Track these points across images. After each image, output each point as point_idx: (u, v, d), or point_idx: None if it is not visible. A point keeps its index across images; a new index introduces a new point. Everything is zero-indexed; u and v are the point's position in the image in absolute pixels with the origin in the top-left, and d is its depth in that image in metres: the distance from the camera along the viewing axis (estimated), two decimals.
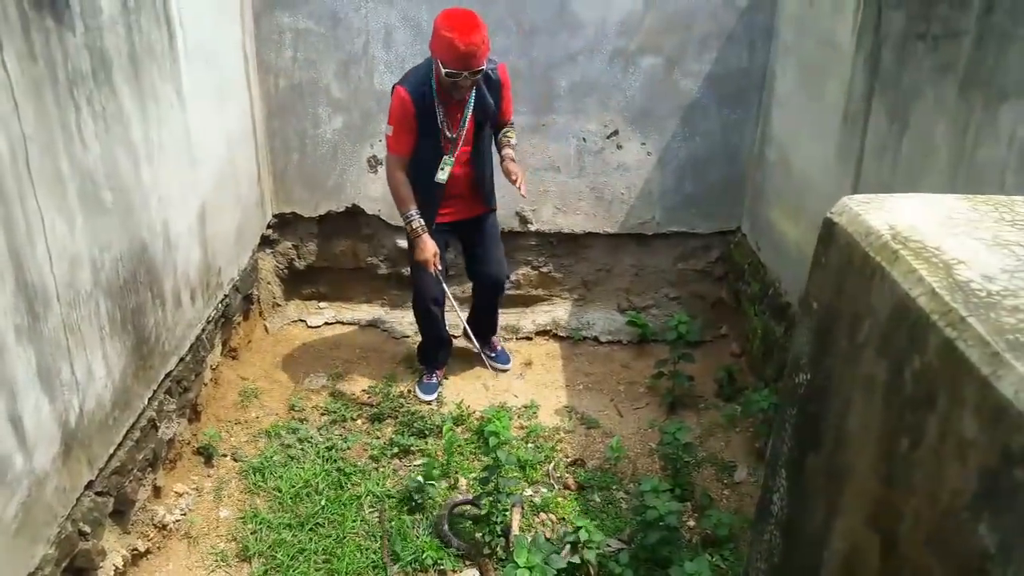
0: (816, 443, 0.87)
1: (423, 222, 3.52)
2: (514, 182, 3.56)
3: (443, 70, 3.24)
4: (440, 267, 3.60)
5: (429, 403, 3.93)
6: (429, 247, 3.52)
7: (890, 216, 0.82)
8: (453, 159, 3.53)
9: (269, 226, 4.42)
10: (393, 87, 3.45)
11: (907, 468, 0.70)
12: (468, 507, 3.24)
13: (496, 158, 3.71)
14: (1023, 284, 0.69)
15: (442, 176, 3.54)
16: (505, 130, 3.69)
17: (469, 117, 3.48)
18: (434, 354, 4.04)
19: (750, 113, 4.18)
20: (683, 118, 4.20)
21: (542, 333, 4.61)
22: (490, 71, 3.45)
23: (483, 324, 4.17)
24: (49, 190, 2.33)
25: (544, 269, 4.61)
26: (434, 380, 4.03)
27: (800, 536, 0.91)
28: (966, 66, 2.49)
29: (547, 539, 3.07)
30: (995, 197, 0.89)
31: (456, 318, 4.01)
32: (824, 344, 0.87)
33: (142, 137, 2.91)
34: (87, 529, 2.52)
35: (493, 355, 4.24)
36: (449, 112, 3.46)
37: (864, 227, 0.81)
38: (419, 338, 4.08)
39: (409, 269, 3.89)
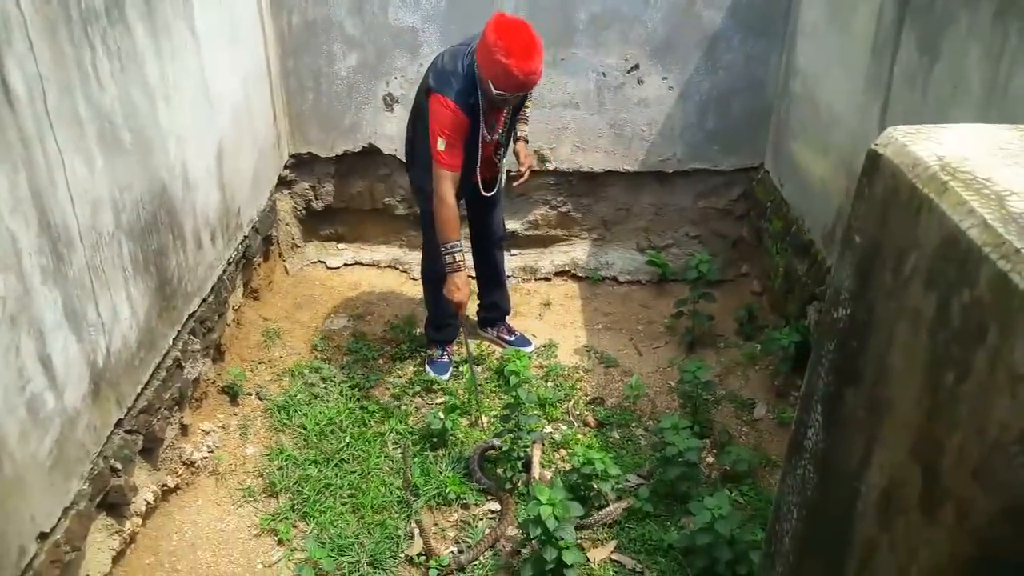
0: (856, 378, 0.87)
1: (464, 259, 3.29)
2: (516, 176, 3.52)
3: (494, 91, 3.01)
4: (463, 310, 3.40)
5: (444, 382, 3.71)
6: (465, 289, 3.28)
7: (938, 147, 0.79)
8: (498, 158, 3.47)
9: (286, 167, 4.40)
10: (429, 92, 3.14)
11: (952, 402, 0.69)
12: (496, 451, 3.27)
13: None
14: None
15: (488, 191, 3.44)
16: (522, 123, 3.57)
17: (508, 120, 3.38)
18: (445, 328, 3.78)
19: (775, 44, 4.07)
20: (706, 50, 4.09)
21: (561, 273, 4.60)
22: None
23: (493, 293, 3.95)
24: (68, 131, 2.32)
25: (563, 209, 4.57)
26: (446, 358, 3.79)
27: (836, 470, 0.91)
28: None
29: (566, 472, 3.13)
30: None
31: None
32: (867, 278, 0.85)
33: (158, 76, 2.88)
34: (118, 466, 2.58)
35: (512, 339, 3.99)
36: (493, 117, 3.29)
37: (911, 158, 0.78)
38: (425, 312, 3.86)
39: (423, 229, 3.62)
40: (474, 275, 3.91)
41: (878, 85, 3.13)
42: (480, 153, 3.28)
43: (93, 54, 2.47)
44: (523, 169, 3.54)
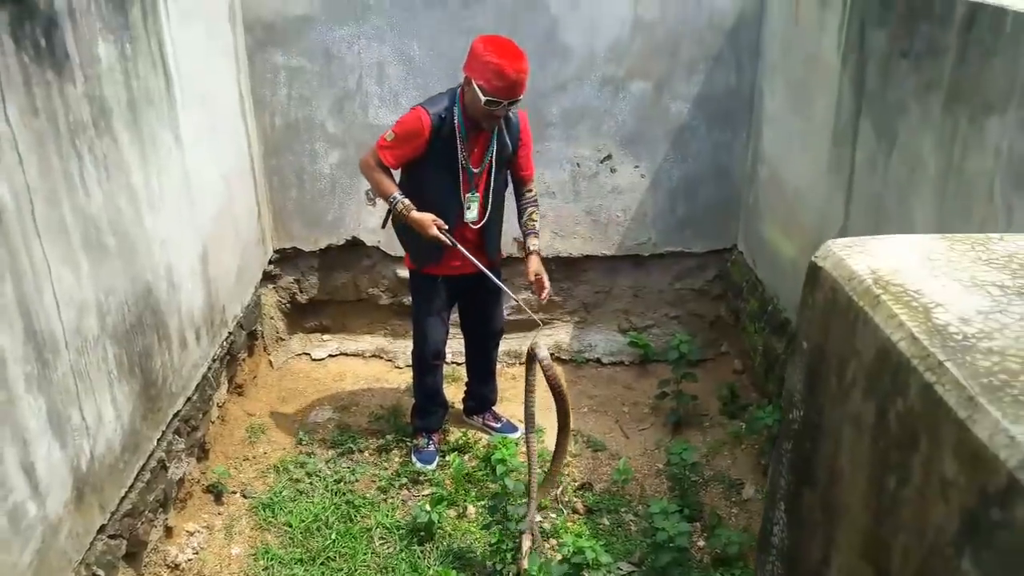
0: (811, 478, 0.91)
1: (408, 201, 3.29)
2: (537, 292, 3.45)
3: (483, 98, 3.06)
4: (446, 227, 3.33)
5: (430, 473, 3.68)
6: (426, 217, 3.28)
7: (872, 259, 0.85)
8: (478, 195, 3.37)
9: (270, 262, 4.47)
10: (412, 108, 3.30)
11: (895, 506, 0.73)
12: None
13: (512, 219, 3.59)
14: (997, 326, 0.73)
15: (470, 215, 3.38)
16: (530, 209, 3.51)
17: (491, 153, 3.34)
18: (432, 415, 3.78)
19: (740, 133, 4.24)
20: (674, 140, 4.25)
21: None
22: (511, 112, 3.32)
23: (481, 385, 3.95)
24: (54, 239, 2.37)
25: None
26: (431, 448, 3.77)
27: (800, 567, 0.94)
28: (949, 81, 2.55)
29: (558, 562, 3.09)
30: (972, 236, 0.92)
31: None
32: (815, 383, 0.90)
33: (143, 183, 2.96)
34: (101, 573, 2.54)
35: (498, 425, 3.98)
36: (471, 144, 3.30)
37: (847, 271, 0.84)
38: (413, 400, 3.85)
39: (412, 313, 3.67)
40: (462, 363, 3.94)
41: (841, 169, 3.27)
42: (462, 184, 3.32)
43: (80, 164, 2.54)
44: (540, 288, 3.45)
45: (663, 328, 4.68)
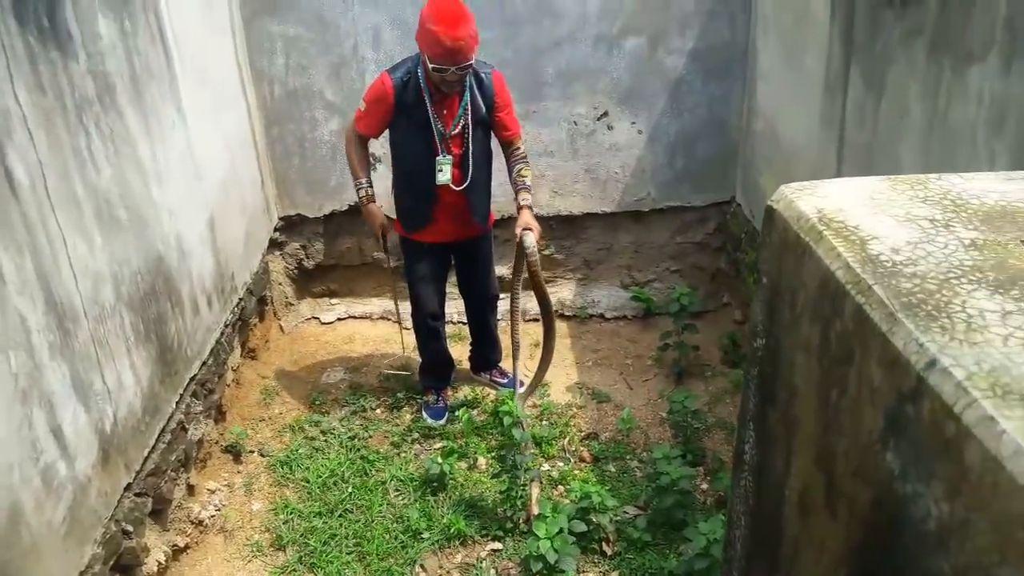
0: (773, 398, 1.00)
1: (371, 192, 3.47)
2: (525, 249, 3.33)
3: (430, 65, 3.13)
4: (387, 236, 3.56)
5: (440, 427, 3.80)
6: (376, 217, 3.48)
7: (819, 200, 0.94)
8: (450, 157, 3.38)
9: (276, 229, 4.56)
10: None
11: (838, 415, 0.82)
12: None
13: (496, 180, 3.62)
14: (923, 254, 0.81)
15: (443, 177, 3.38)
16: (519, 167, 3.49)
17: (463, 115, 3.35)
18: (438, 373, 3.90)
19: (736, 86, 4.28)
20: (670, 95, 4.30)
21: None
22: (482, 73, 3.35)
23: (483, 346, 4.05)
24: (67, 213, 2.47)
25: (546, 252, 4.73)
26: (441, 404, 3.89)
27: (767, 479, 1.03)
28: (933, 30, 2.59)
29: (565, 506, 3.23)
30: (914, 176, 1.00)
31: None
32: (772, 313, 0.99)
33: (149, 155, 3.05)
34: (129, 528, 2.68)
35: (504, 381, 4.08)
36: (441, 107, 3.33)
37: (796, 211, 0.93)
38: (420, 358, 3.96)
39: (406, 277, 3.75)
40: (466, 322, 4.05)
41: (832, 120, 3.32)
42: (436, 145, 3.36)
43: (88, 139, 2.63)
44: (528, 241, 3.33)
45: (665, 282, 4.77)
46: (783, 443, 0.95)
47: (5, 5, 2.22)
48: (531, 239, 3.31)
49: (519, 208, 3.47)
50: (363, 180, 3.47)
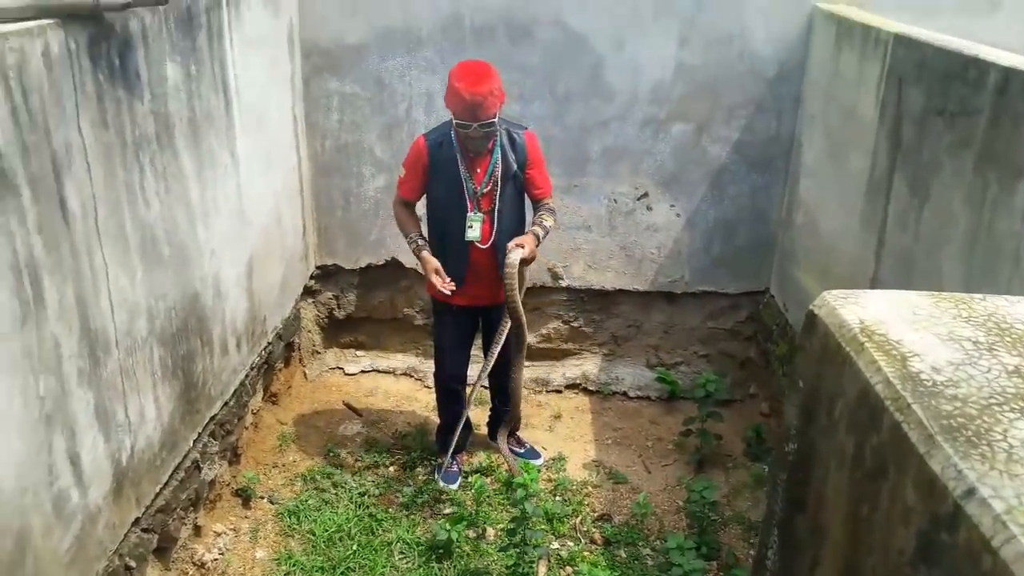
0: (802, 505, 0.98)
1: (423, 242, 3.47)
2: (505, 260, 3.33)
3: (454, 121, 3.23)
4: (448, 279, 3.41)
5: (452, 492, 3.76)
6: (430, 261, 3.42)
7: (862, 311, 0.93)
8: (481, 215, 3.41)
9: (312, 277, 4.62)
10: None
11: (868, 530, 0.80)
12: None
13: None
14: (964, 376, 0.80)
15: (472, 233, 3.41)
16: (541, 212, 3.52)
17: (493, 172, 3.39)
18: (453, 438, 3.79)
19: (778, 178, 4.30)
20: (712, 182, 4.33)
21: (572, 387, 4.71)
22: (515, 133, 3.42)
23: (503, 412, 3.96)
24: (114, 245, 2.53)
25: (575, 324, 4.73)
26: (455, 468, 3.86)
27: None
28: (981, 143, 2.60)
29: None
30: (957, 295, 1.00)
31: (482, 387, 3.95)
32: (808, 418, 0.98)
33: (199, 196, 3.12)
34: (132, 564, 2.66)
35: (521, 451, 4.04)
36: (474, 164, 3.38)
37: (838, 319, 0.92)
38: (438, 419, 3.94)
39: (433, 338, 3.76)
40: (487, 386, 4.03)
41: (874, 221, 3.31)
42: (468, 202, 3.40)
43: (142, 175, 2.71)
44: (519, 245, 3.34)
45: (692, 366, 4.72)
46: (809, 552, 0.93)
47: (81, 44, 2.32)
48: (515, 254, 3.30)
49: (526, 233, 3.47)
50: (413, 234, 3.51)
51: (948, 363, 0.83)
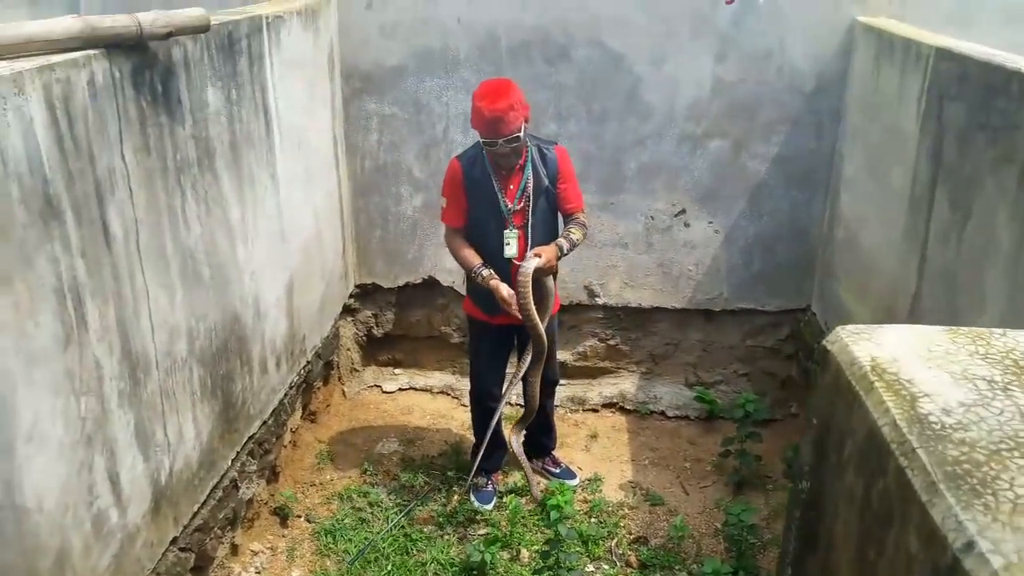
0: (814, 545, 0.95)
1: (488, 272, 3.39)
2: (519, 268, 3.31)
3: (480, 140, 3.29)
4: (517, 309, 3.35)
5: (487, 512, 3.76)
6: (504, 288, 3.35)
7: (874, 347, 0.91)
8: (516, 232, 3.42)
9: (351, 296, 4.68)
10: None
11: (873, 574, 0.78)
12: None
13: (566, 265, 3.66)
14: (975, 418, 0.78)
15: (510, 251, 3.41)
16: (570, 226, 3.49)
17: (525, 189, 3.40)
18: (490, 456, 3.78)
19: (818, 193, 4.23)
20: (750, 198, 4.28)
21: (608, 406, 4.67)
22: (545, 149, 3.44)
23: (538, 432, 3.97)
24: (155, 267, 2.59)
25: (611, 342, 4.70)
26: (490, 488, 3.86)
27: None
28: None
29: None
30: (976, 330, 0.97)
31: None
32: (820, 456, 0.96)
33: (239, 218, 3.19)
34: None
35: (557, 471, 4.03)
36: (507, 181, 3.41)
37: (850, 356, 0.90)
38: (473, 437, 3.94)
39: (469, 355, 3.79)
40: (523, 405, 4.01)
41: (915, 237, 3.24)
42: (503, 220, 3.41)
43: (183, 199, 2.77)
44: (535, 252, 3.33)
45: (731, 385, 4.65)
46: None
47: (125, 72, 2.39)
48: (531, 262, 3.27)
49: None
50: (476, 265, 3.42)
51: (959, 404, 0.80)
